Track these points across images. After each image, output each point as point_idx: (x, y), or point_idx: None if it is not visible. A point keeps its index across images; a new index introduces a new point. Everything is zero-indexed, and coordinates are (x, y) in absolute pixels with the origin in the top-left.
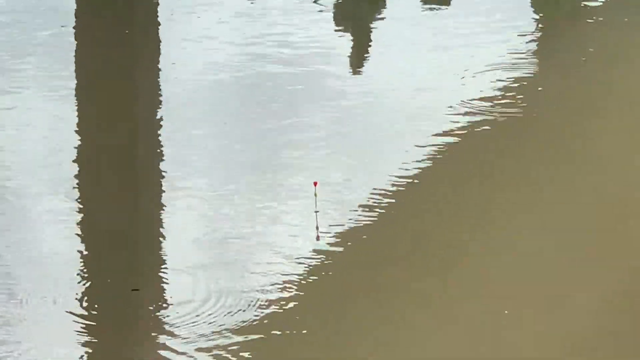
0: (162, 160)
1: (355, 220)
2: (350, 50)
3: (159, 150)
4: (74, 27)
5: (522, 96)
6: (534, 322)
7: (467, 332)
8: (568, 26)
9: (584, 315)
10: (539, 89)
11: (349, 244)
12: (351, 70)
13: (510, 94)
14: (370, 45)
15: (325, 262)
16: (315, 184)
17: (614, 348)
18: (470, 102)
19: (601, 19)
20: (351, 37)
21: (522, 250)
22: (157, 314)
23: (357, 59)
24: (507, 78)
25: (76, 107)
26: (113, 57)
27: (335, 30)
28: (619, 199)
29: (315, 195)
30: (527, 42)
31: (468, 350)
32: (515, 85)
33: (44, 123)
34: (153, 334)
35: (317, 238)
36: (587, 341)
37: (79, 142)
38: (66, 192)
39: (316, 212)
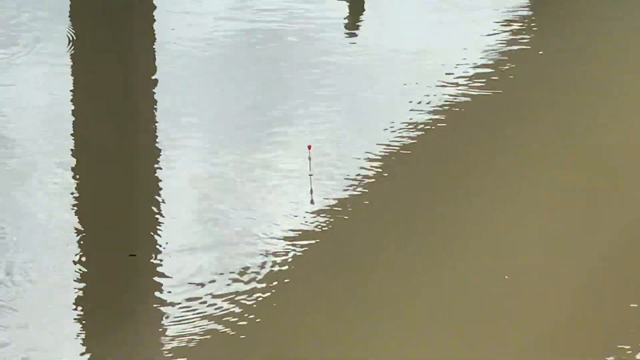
0: (158, 122)
1: (347, 200)
2: (347, 15)
3: (156, 115)
4: None
5: (522, 63)
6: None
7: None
8: None
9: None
10: (540, 52)
11: (340, 220)
12: (346, 35)
13: (511, 59)
14: (364, 10)
15: (320, 228)
16: (309, 147)
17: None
18: (468, 73)
19: None
20: (347, 3)
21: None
22: (154, 280)
23: (352, 24)
24: (508, 43)
25: (72, 70)
26: (110, 23)
27: None
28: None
29: (309, 159)
30: (528, 14)
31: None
32: (516, 49)
33: (42, 84)
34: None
35: (312, 202)
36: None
37: (76, 108)
38: (62, 157)
39: (310, 175)
